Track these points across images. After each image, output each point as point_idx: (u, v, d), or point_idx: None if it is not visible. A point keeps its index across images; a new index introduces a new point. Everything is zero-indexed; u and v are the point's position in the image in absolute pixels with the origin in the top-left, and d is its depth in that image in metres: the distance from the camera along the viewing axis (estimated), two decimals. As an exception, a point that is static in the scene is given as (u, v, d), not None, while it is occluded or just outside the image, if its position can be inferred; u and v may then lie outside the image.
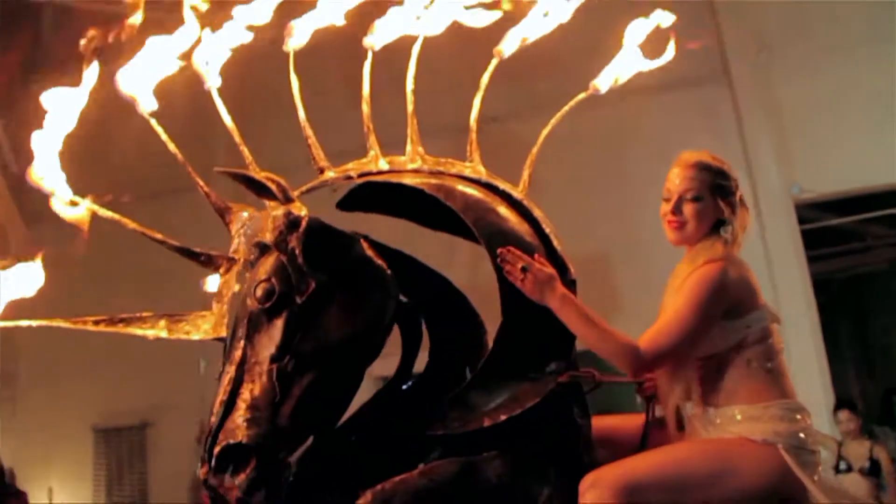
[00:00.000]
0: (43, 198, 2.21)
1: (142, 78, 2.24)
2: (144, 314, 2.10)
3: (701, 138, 6.29)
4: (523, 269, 2.04)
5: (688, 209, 2.22)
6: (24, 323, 2.08)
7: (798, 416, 2.09)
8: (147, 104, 2.23)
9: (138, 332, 2.07)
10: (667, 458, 2.09)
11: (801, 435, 2.07)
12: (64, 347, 7.30)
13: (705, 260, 2.17)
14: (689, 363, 2.15)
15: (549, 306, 2.04)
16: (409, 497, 1.84)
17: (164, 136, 2.21)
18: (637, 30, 2.58)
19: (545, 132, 2.49)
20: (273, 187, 1.95)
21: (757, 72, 7.49)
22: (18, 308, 2.15)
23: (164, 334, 2.06)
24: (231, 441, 1.78)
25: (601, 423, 2.26)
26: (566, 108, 2.53)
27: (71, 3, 7.06)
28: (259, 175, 1.99)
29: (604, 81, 2.53)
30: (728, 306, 2.12)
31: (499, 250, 2.03)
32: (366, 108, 2.35)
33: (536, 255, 2.10)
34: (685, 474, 2.04)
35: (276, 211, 1.95)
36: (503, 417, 1.93)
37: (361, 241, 2.06)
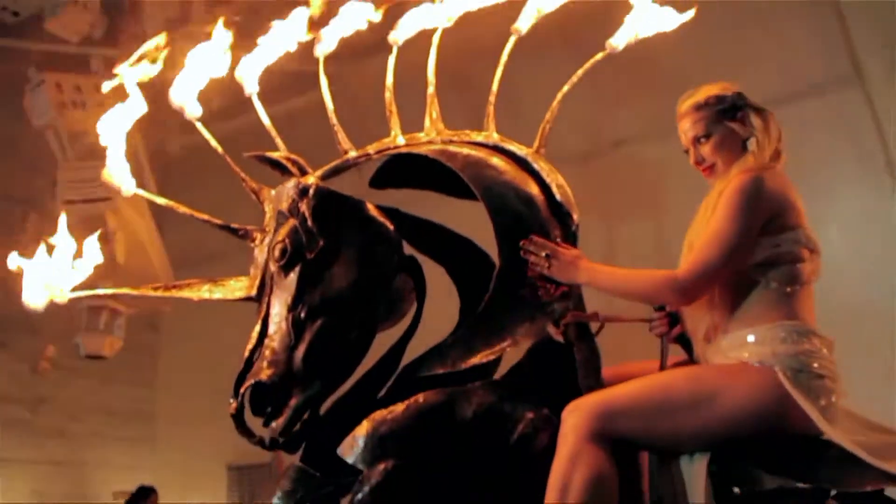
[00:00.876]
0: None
1: (188, 86, 2.52)
2: (191, 280, 2.40)
3: (840, 143, 6.01)
4: (547, 257, 2.08)
5: (706, 150, 2.21)
6: (98, 292, 2.54)
7: (804, 339, 1.92)
8: (193, 111, 2.54)
9: (188, 294, 2.36)
10: (650, 383, 2.00)
11: (804, 357, 1.89)
12: (200, 389, 7.55)
13: (737, 172, 2.09)
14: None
15: (580, 283, 2.09)
16: (396, 424, 1.96)
17: (209, 137, 2.52)
18: None
19: (566, 88, 2.56)
20: (288, 164, 2.28)
21: (892, 69, 7.09)
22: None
23: (207, 295, 2.34)
24: (254, 381, 2.03)
25: (626, 370, 2.18)
26: (581, 70, 2.55)
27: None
28: (276, 155, 2.31)
29: (621, 39, 2.53)
30: (767, 216, 2.00)
31: (521, 242, 2.14)
32: (388, 94, 2.55)
33: (557, 240, 2.15)
34: (666, 399, 1.93)
35: (289, 182, 2.25)
36: (492, 357, 2.06)
37: (366, 203, 2.27)
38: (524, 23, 2.60)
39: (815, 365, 1.90)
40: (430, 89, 2.57)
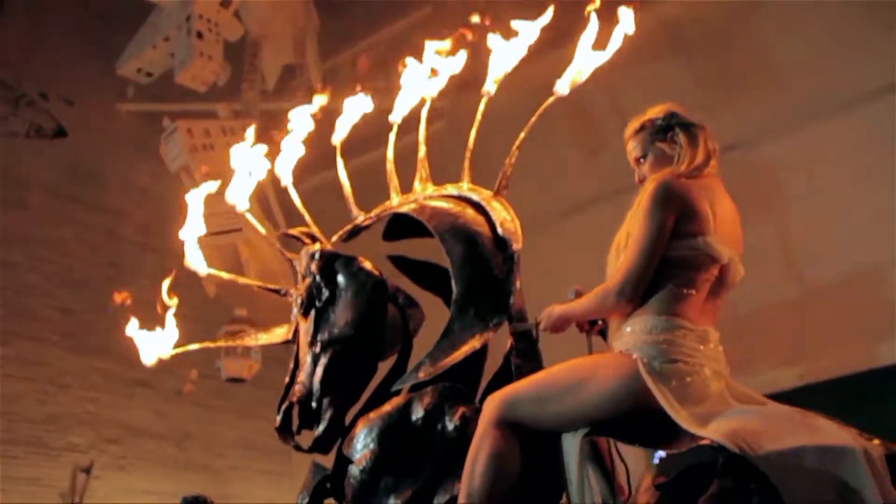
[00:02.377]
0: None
1: (242, 185, 3.16)
2: (249, 330, 3.27)
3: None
4: (537, 325, 2.47)
5: (644, 170, 2.42)
6: (190, 348, 3.18)
7: (668, 331, 2.13)
8: (242, 206, 3.17)
9: (247, 342, 3.13)
10: (543, 375, 2.35)
11: (661, 346, 2.12)
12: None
13: (650, 180, 2.30)
14: None
15: (567, 325, 2.42)
16: (373, 423, 2.55)
17: (255, 223, 3.20)
18: (590, 31, 2.75)
19: (517, 143, 2.80)
20: (303, 237, 2.94)
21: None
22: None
23: (260, 341, 3.06)
24: (288, 403, 2.71)
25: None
26: (536, 115, 2.78)
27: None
28: (295, 231, 2.97)
29: (564, 84, 2.74)
30: (675, 216, 2.17)
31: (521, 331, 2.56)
32: (389, 166, 3.01)
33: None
34: (552, 385, 2.24)
35: (303, 251, 2.89)
36: (444, 365, 2.47)
37: (357, 259, 2.81)
38: (563, 85, 2.78)
39: (670, 352, 2.12)
40: (421, 153, 2.98)
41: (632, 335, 2.19)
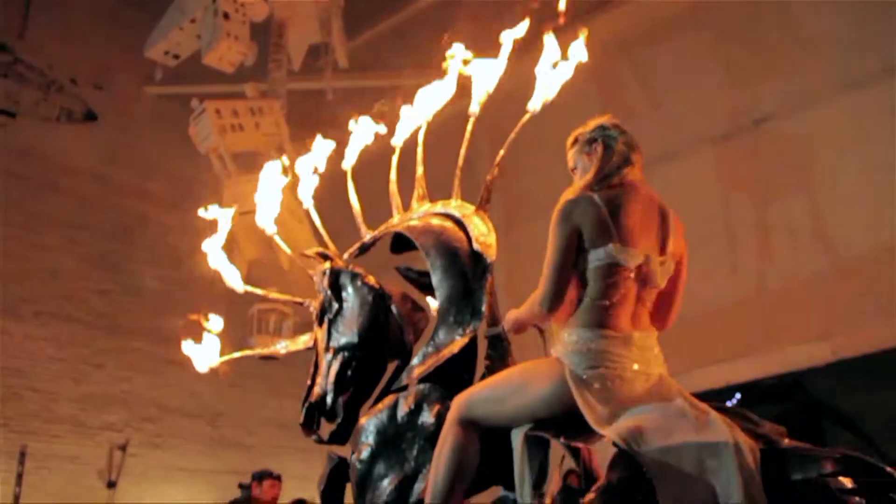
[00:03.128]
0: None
1: (267, 208, 3.48)
2: (276, 339, 3.75)
3: None
4: (503, 328, 2.69)
5: (576, 180, 2.52)
6: (235, 355, 3.52)
7: (592, 340, 2.31)
8: (271, 229, 3.45)
9: (278, 351, 3.38)
10: (498, 377, 2.56)
11: (585, 353, 2.30)
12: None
13: (562, 196, 2.45)
14: None
15: (524, 328, 2.62)
16: (372, 418, 2.83)
17: (283, 244, 3.43)
18: (551, 53, 2.93)
19: (501, 152, 2.97)
20: (315, 256, 3.20)
21: None
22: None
23: (287, 349, 3.36)
24: (308, 402, 3.04)
25: None
26: (512, 134, 2.93)
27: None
28: (308, 251, 3.23)
29: (536, 102, 2.92)
30: (577, 233, 2.33)
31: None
32: (392, 186, 3.27)
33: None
34: (501, 387, 2.47)
35: (317, 268, 3.20)
36: (429, 367, 2.78)
37: (361, 273, 3.10)
38: (535, 103, 2.96)
39: (593, 359, 2.29)
40: (418, 173, 3.23)
41: (562, 345, 2.38)
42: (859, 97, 6.50)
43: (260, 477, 6.56)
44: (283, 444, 10.31)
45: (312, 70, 8.73)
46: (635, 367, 2.31)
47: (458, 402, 2.50)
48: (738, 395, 11.01)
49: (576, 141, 2.55)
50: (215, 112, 7.48)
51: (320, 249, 3.22)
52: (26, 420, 8.07)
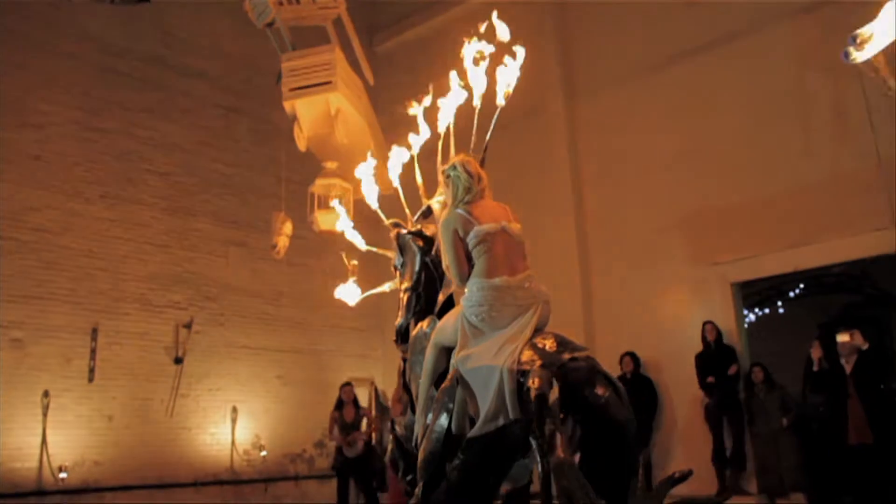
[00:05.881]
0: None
1: (371, 194, 4.32)
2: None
3: None
4: None
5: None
6: (376, 290, 4.37)
7: (474, 290, 3.24)
8: (374, 203, 4.27)
9: (382, 289, 4.31)
10: (448, 316, 3.53)
11: (469, 299, 3.26)
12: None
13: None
14: None
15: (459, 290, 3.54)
16: (413, 336, 3.87)
17: (381, 216, 4.19)
18: (515, 66, 3.74)
19: (485, 146, 3.78)
20: (389, 225, 4.12)
21: None
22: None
23: (376, 290, 4.36)
24: (397, 324, 4.03)
25: None
26: (492, 125, 3.75)
27: None
28: (387, 221, 4.14)
29: (500, 97, 3.71)
30: (457, 230, 3.34)
31: None
32: (419, 184, 4.09)
33: None
34: (446, 323, 3.46)
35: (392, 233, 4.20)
36: (440, 301, 3.89)
37: (412, 236, 4.01)
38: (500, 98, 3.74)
39: (474, 301, 3.24)
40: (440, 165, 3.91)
41: (463, 296, 3.36)
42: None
43: (343, 386, 8.40)
44: (342, 325, 10.56)
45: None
46: (509, 302, 3.20)
47: (435, 330, 3.60)
48: (801, 286, 10.78)
49: (443, 173, 3.53)
50: (271, -17, 7.28)
51: (394, 220, 4.16)
52: (97, 298, 8.34)
